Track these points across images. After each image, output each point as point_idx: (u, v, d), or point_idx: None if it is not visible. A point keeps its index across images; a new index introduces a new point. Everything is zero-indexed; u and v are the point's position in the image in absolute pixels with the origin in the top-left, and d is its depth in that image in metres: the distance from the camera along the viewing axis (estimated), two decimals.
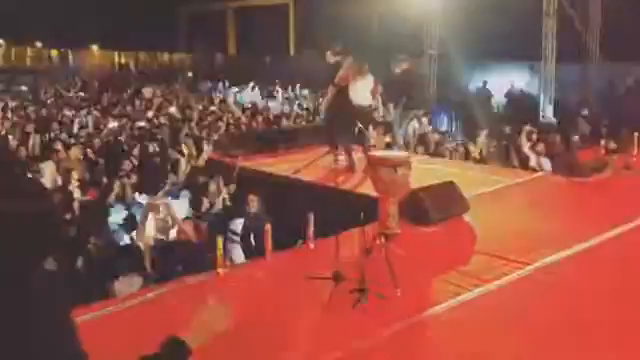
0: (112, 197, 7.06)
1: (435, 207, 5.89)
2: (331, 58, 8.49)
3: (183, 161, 8.81)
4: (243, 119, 13.48)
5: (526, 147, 9.38)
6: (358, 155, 8.19)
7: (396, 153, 5.71)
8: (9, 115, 13.17)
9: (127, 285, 4.78)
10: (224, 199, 7.40)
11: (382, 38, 18.74)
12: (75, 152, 8.91)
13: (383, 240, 4.82)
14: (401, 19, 16.74)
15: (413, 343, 3.88)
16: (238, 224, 6.30)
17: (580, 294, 4.52)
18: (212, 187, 7.44)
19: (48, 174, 7.93)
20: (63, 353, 1.44)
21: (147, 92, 18.84)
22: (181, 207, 6.98)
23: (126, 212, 6.79)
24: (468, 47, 14.16)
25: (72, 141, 10.17)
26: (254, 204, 6.47)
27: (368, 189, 5.78)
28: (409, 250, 5.22)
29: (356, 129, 6.13)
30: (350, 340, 3.80)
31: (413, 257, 5.11)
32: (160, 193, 6.86)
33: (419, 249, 5.39)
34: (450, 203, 6.12)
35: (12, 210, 1.37)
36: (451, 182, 6.45)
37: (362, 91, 8.21)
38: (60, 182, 7.69)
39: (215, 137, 10.78)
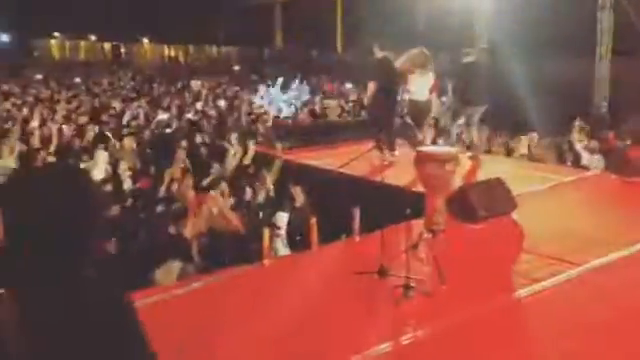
0: (163, 187, 7.20)
1: (482, 204, 5.78)
2: (378, 53, 8.46)
3: (230, 154, 8.94)
4: (288, 113, 13.58)
5: (578, 144, 9.12)
6: (404, 150, 8.15)
7: (444, 149, 5.65)
8: (63, 106, 13.60)
9: (166, 272, 4.87)
10: (268, 191, 7.47)
11: (429, 33, 18.52)
12: (128, 142, 9.15)
13: (429, 236, 4.78)
14: (448, 13, 16.49)
15: (457, 342, 3.83)
16: (282, 217, 6.36)
17: (632, 297, 4.39)
18: (257, 179, 7.53)
19: (101, 163, 8.17)
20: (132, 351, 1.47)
21: (195, 85, 19.15)
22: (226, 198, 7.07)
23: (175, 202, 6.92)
24: (519, 42, 13.81)
25: (124, 132, 10.43)
26: (299, 198, 6.52)
27: (415, 184, 5.75)
28: (455, 247, 5.18)
29: (403, 123, 6.08)
30: (394, 335, 3.79)
31: (459, 254, 5.06)
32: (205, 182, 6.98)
33: (466, 246, 5.33)
34: (498, 200, 5.99)
35: (57, 200, 1.42)
36: (499, 179, 6.33)
37: (421, 86, 8.15)
38: (111, 171, 7.91)
39: (261, 130, 10.89)
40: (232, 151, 8.95)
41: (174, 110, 13.51)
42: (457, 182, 5.70)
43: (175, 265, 4.96)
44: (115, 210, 6.22)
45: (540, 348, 3.69)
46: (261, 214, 6.70)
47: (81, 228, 1.44)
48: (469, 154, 8.22)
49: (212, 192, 6.45)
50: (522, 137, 9.88)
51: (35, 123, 10.87)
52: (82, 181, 1.50)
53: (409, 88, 8.16)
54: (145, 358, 1.46)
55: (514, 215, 5.94)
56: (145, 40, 32.24)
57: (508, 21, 14.27)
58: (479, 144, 8.65)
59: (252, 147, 9.10)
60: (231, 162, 8.77)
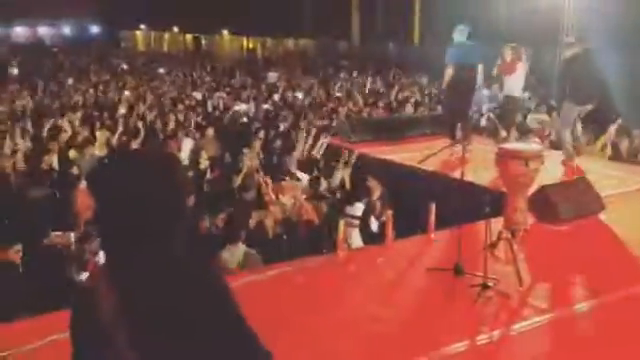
0: (240, 176, 7.35)
1: (565, 204, 5.58)
2: (459, 36, 8.23)
3: (300, 144, 9.00)
4: (363, 106, 13.53)
5: None
6: (484, 146, 7.96)
7: (529, 146, 5.46)
8: (149, 94, 14.15)
9: (231, 254, 4.95)
10: (343, 183, 7.48)
11: (510, 26, 17.90)
12: (210, 132, 9.40)
13: (509, 235, 4.65)
14: (531, 10, 15.88)
15: (535, 344, 3.71)
16: (357, 208, 6.34)
17: None
18: (334, 171, 7.57)
19: (186, 151, 8.45)
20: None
21: (272, 77, 19.42)
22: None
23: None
24: (608, 34, 13.03)
25: (203, 122, 10.73)
26: (376, 190, 6.48)
27: (495, 182, 5.59)
28: (537, 248, 5.01)
29: (487, 118, 5.89)
30: (469, 335, 3.72)
31: (541, 255, 4.89)
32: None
33: (548, 247, 5.15)
34: (582, 201, 5.76)
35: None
36: (584, 178, 6.08)
37: (517, 81, 7.91)
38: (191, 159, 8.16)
39: (334, 123, 10.89)
40: (302, 141, 9.01)
41: (251, 101, 13.77)
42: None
43: (240, 248, 5.02)
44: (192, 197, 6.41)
45: (626, 354, 3.51)
46: (334, 205, 6.70)
47: (173, 210, 1.48)
48: (564, 157, 7.40)
49: (288, 182, 6.53)
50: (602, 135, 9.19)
51: (122, 110, 11.36)
52: (173, 165, 1.54)
53: (505, 84, 7.92)
54: (246, 337, 1.48)
55: (601, 216, 5.69)
56: (225, 32, 32.99)
57: (597, 15, 13.54)
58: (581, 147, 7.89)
59: (323, 140, 9.12)
60: (301, 152, 8.83)
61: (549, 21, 15.43)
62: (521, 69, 7.95)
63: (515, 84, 7.95)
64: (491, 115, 6.14)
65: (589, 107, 7.31)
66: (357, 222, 6.10)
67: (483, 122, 10.06)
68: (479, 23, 13.96)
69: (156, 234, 1.46)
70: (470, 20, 9.40)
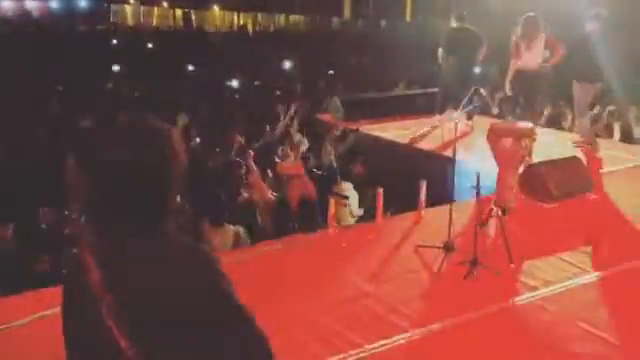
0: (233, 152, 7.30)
1: (557, 183, 5.59)
2: (454, 23, 8.23)
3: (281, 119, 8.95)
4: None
5: None
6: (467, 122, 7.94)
7: (521, 123, 5.44)
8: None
9: (221, 234, 4.95)
10: (331, 160, 7.46)
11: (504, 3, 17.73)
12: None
13: (499, 213, 4.65)
14: None
15: (524, 320, 3.74)
16: (347, 186, 6.33)
17: None
18: (324, 147, 7.54)
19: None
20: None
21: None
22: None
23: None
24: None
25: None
26: (359, 169, 6.49)
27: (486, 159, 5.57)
28: (527, 225, 5.03)
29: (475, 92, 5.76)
30: (457, 312, 3.73)
31: (531, 233, 4.91)
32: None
33: (537, 225, 5.17)
34: (574, 179, 5.78)
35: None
36: (576, 157, 6.09)
37: (531, 54, 7.49)
38: None
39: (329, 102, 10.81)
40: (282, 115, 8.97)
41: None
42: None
43: (230, 230, 5.02)
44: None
45: (613, 331, 3.54)
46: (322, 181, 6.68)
47: (162, 184, 1.44)
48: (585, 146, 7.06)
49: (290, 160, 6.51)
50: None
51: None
52: (166, 136, 1.47)
53: (520, 57, 7.53)
54: (238, 311, 1.45)
55: (592, 195, 5.71)
56: (215, 7, 32.55)
57: None
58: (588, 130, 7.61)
59: (293, 111, 8.98)
60: (281, 129, 8.75)
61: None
62: (530, 41, 7.55)
63: (529, 57, 7.55)
64: (481, 90, 6.04)
65: (599, 85, 7.18)
66: (347, 201, 6.08)
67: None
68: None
69: (147, 209, 1.42)
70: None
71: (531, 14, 7.53)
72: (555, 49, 7.41)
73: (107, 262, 1.39)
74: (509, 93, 7.98)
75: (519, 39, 7.50)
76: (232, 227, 5.02)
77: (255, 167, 6.17)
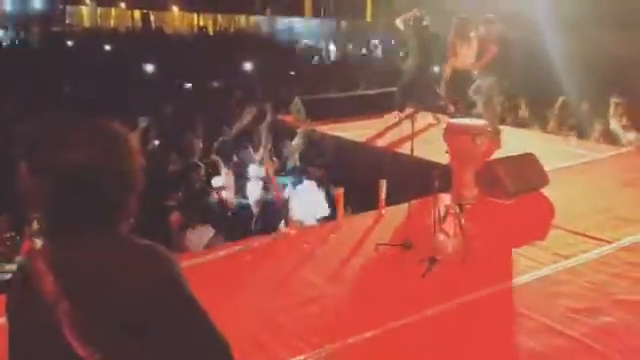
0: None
1: (512, 179, 5.70)
2: (400, 24, 8.46)
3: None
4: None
5: (615, 122, 8.77)
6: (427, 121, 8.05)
7: (476, 122, 5.53)
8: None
9: (198, 236, 4.94)
10: (295, 160, 7.47)
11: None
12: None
13: (457, 210, 4.72)
14: None
15: (482, 316, 3.80)
16: (309, 187, 6.34)
17: None
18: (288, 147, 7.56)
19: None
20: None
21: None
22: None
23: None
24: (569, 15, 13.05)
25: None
26: (319, 169, 6.52)
27: (443, 157, 5.65)
28: (484, 222, 5.11)
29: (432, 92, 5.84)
30: (416, 309, 3.77)
31: (487, 229, 5.00)
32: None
33: (494, 221, 5.26)
34: (529, 176, 5.90)
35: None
36: (530, 154, 6.22)
37: (463, 55, 7.81)
38: None
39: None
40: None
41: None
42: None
43: (208, 230, 5.03)
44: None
45: (566, 324, 3.63)
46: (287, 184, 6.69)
47: (120, 187, 1.42)
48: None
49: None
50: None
51: None
52: (121, 138, 1.45)
53: (455, 57, 7.86)
54: (194, 313, 1.42)
55: (545, 191, 5.84)
56: (175, 8, 32.16)
57: None
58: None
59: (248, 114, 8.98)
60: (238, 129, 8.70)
61: None
62: (463, 42, 7.89)
63: (461, 58, 7.90)
64: (438, 89, 6.14)
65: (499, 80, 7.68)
66: (306, 201, 6.07)
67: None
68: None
69: (103, 212, 1.40)
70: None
71: (463, 16, 7.82)
72: (486, 50, 7.66)
73: (60, 267, 1.35)
74: (443, 93, 8.22)
75: (454, 39, 7.73)
76: (203, 227, 5.03)
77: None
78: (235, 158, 7.34)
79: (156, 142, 7.76)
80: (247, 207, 6.12)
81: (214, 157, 6.90)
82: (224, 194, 6.02)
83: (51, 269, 1.35)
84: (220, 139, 7.96)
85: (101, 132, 1.43)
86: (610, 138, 8.52)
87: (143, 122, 8.51)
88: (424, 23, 8.64)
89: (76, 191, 1.35)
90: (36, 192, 1.37)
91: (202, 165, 6.48)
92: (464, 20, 7.79)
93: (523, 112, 10.01)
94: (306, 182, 6.24)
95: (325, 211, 6.03)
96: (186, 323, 1.39)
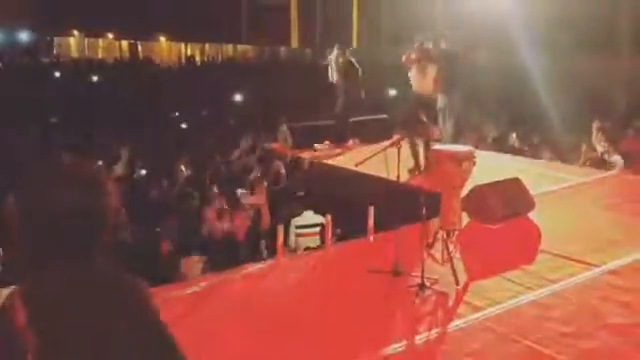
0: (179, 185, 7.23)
1: (500, 204, 5.74)
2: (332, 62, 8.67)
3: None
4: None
5: (600, 146, 8.88)
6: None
7: (460, 147, 5.58)
8: None
9: (190, 265, 4.94)
10: (286, 187, 7.50)
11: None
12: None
13: (445, 235, 4.74)
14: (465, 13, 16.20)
15: (472, 340, 3.80)
16: (307, 217, 6.28)
17: None
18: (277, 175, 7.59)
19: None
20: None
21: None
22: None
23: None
24: (548, 42, 13.34)
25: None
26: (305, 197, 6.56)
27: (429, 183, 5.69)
28: (471, 247, 5.13)
29: (416, 119, 5.87)
30: (406, 335, 3.76)
31: (476, 254, 5.01)
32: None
33: (482, 246, 5.28)
34: (515, 200, 5.94)
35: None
36: (517, 179, 6.27)
37: (421, 79, 7.78)
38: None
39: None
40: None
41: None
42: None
43: (198, 259, 5.04)
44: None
45: (557, 347, 3.64)
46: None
47: (94, 225, 1.46)
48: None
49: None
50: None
51: None
52: (95, 178, 1.51)
53: (411, 82, 7.91)
54: (165, 347, 1.44)
55: (532, 215, 5.89)
56: (162, 38, 32.38)
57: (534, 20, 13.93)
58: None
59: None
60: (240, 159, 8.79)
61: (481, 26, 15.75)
62: (420, 67, 7.78)
63: (418, 82, 7.82)
64: (421, 115, 6.24)
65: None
66: (308, 231, 6.03)
67: None
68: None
69: (76, 248, 1.44)
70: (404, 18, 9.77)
71: (418, 43, 7.85)
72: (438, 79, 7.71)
73: (31, 298, 1.40)
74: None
75: (414, 65, 7.82)
76: (196, 257, 5.05)
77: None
78: (227, 186, 7.34)
79: (142, 171, 7.76)
80: (237, 235, 6.11)
81: (208, 185, 6.93)
82: (216, 222, 6.01)
83: (24, 303, 1.40)
84: (213, 168, 8.00)
85: (75, 174, 1.50)
86: (595, 162, 8.64)
87: (125, 152, 8.53)
88: (348, 58, 9.48)
89: (51, 229, 1.41)
90: (15, 225, 1.43)
91: (195, 193, 6.49)
92: (420, 46, 7.82)
93: (513, 140, 10.21)
94: (305, 214, 6.21)
95: (315, 241, 6.02)
96: (153, 353, 1.42)
